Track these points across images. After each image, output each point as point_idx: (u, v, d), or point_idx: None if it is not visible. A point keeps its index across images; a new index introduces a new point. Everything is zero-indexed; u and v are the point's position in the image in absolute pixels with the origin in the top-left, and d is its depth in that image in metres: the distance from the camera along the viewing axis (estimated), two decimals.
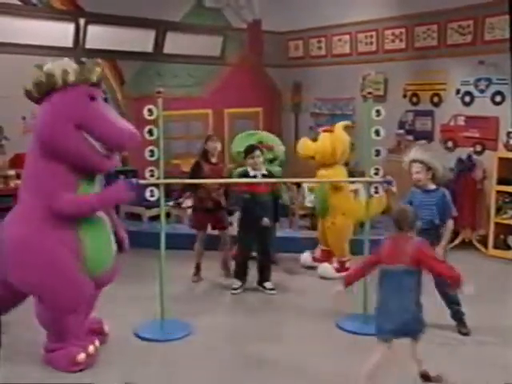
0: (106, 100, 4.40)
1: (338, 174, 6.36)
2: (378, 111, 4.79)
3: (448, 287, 4.18)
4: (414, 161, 4.89)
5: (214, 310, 5.42)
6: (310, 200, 7.30)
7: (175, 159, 9.24)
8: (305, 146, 6.55)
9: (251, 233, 5.81)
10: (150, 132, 4.62)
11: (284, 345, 4.64)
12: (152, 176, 4.68)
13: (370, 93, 4.90)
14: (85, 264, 4.08)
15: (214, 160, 6.20)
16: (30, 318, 4.27)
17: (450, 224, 4.84)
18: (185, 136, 9.51)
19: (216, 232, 6.41)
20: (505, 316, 5.30)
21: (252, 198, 5.72)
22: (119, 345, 4.55)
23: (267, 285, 5.85)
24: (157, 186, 4.78)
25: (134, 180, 4.67)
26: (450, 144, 8.15)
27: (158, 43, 9.17)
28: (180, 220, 8.16)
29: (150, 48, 9.15)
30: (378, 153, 4.87)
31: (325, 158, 6.33)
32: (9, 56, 7.43)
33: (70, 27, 8.33)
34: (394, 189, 5.03)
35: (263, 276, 5.90)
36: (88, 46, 8.49)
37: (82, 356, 4.06)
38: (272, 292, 5.79)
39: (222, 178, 6.08)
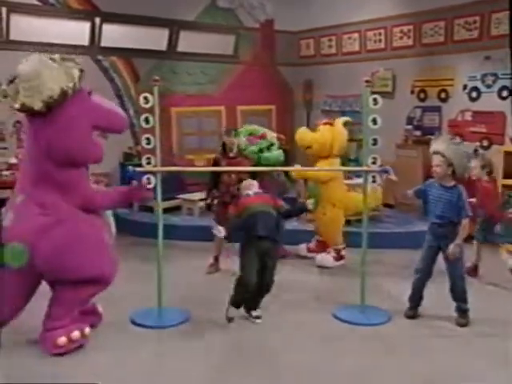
0: None
1: (333, 166, 6.18)
2: (374, 100, 4.50)
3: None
4: (436, 152, 4.45)
5: (214, 300, 5.17)
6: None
7: (188, 154, 9.13)
8: (303, 135, 6.33)
9: (254, 258, 4.49)
10: (147, 120, 4.42)
11: (281, 334, 4.43)
12: (149, 164, 4.47)
13: (368, 81, 4.60)
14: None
15: (232, 154, 5.98)
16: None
17: (466, 223, 4.47)
18: (198, 132, 9.35)
19: None
20: (506, 309, 5.00)
21: (248, 212, 4.60)
22: (114, 330, 4.39)
23: (254, 313, 4.69)
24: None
25: (130, 168, 4.54)
26: (457, 139, 7.84)
27: (172, 42, 9.06)
28: (191, 213, 8.00)
29: (164, 46, 9.04)
30: (375, 142, 4.59)
31: (322, 149, 6.12)
32: (28, 54, 7.32)
33: (86, 26, 8.28)
34: (393, 177, 4.75)
35: (254, 303, 4.70)
36: (103, 44, 8.43)
37: (62, 339, 3.89)
38: (257, 321, 4.63)
39: (239, 171, 5.71)
